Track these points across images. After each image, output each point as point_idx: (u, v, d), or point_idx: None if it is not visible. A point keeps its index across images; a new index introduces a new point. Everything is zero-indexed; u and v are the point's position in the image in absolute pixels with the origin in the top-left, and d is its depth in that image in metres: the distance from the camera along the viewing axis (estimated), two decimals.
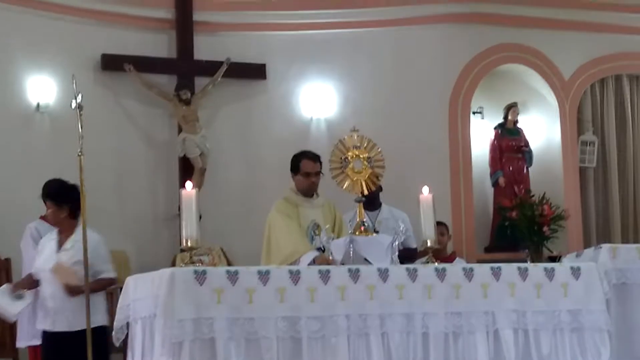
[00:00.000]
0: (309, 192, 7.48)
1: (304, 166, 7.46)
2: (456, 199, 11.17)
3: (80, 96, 7.86)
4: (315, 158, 7.45)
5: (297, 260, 7.00)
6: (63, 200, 7.49)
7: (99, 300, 7.40)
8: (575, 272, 6.79)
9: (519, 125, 11.75)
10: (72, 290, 7.18)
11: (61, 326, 7.26)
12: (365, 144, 6.98)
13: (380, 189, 8.16)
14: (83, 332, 7.06)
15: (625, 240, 11.75)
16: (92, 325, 7.16)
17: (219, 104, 10.96)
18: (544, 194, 10.99)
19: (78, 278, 7.17)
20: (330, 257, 6.75)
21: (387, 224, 8.26)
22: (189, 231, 6.23)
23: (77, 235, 7.38)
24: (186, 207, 6.29)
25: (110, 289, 7.88)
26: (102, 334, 7.33)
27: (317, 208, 7.46)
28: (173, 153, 10.64)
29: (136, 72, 10.46)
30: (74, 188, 7.55)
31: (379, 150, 7.01)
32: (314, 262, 6.91)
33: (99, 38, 10.48)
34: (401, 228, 7.00)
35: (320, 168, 7.41)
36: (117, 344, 6.54)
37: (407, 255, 7.74)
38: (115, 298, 7.58)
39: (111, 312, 7.42)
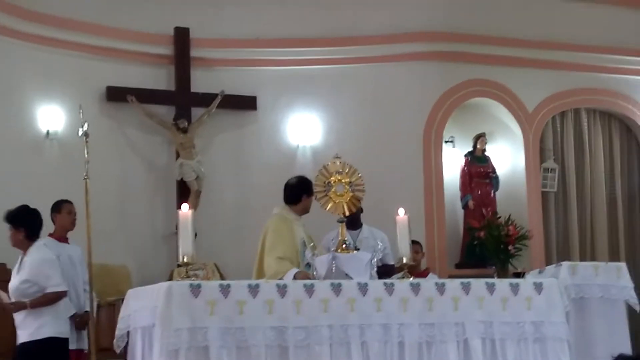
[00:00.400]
0: (306, 212, 7.50)
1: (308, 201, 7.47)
2: (429, 219, 11.16)
3: (86, 125, 7.86)
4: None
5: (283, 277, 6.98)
6: (19, 223, 7.49)
7: (46, 313, 7.37)
8: (538, 287, 6.79)
9: (486, 153, 11.77)
10: (5, 309, 7.25)
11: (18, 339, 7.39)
12: (346, 170, 6.97)
13: (361, 210, 8.15)
14: (23, 344, 7.25)
15: (582, 258, 11.76)
16: (38, 337, 7.17)
17: (213, 132, 10.94)
18: (510, 215, 10.98)
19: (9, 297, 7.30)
20: (314, 274, 6.73)
21: (367, 243, 8.24)
22: (185, 248, 6.21)
23: (29, 255, 7.39)
24: (183, 226, 6.27)
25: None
26: (49, 344, 7.30)
27: (301, 226, 7.46)
28: (171, 177, 10.61)
29: (138, 103, 10.44)
30: (32, 212, 7.55)
31: (360, 175, 7.00)
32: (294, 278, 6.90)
33: (104, 72, 10.46)
34: (379, 246, 7.00)
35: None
36: (117, 352, 6.51)
37: (385, 271, 7.72)
38: (117, 309, 7.53)
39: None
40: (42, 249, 7.50)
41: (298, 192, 7.46)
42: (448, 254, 11.32)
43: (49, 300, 7.41)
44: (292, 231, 7.30)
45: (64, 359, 7.55)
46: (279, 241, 7.21)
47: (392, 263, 8.50)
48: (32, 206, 8.58)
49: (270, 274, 7.04)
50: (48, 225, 8.53)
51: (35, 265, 7.34)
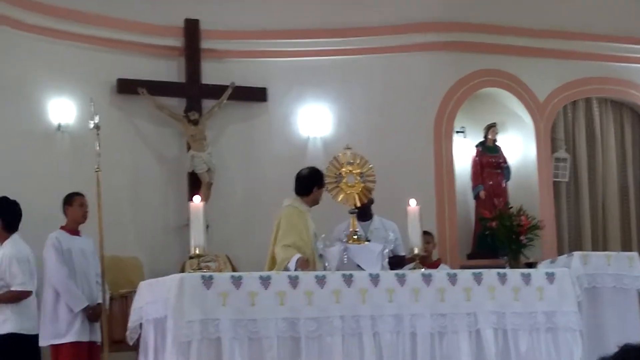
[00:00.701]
0: (317, 204, 7.48)
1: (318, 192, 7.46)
2: (441, 210, 11.14)
3: (97, 117, 7.87)
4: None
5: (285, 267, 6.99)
6: None
7: (11, 308, 7.43)
8: (550, 277, 6.79)
9: (498, 143, 11.74)
10: None
11: None
12: (357, 161, 6.97)
13: (371, 201, 8.14)
14: None
15: (595, 248, 11.72)
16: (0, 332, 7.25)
17: (224, 124, 10.93)
18: (521, 206, 10.97)
19: None
20: (326, 265, 6.73)
21: (378, 234, 8.22)
22: (197, 240, 6.22)
23: (2, 248, 7.44)
24: (194, 218, 6.28)
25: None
26: (11, 340, 7.34)
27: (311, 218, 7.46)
28: (182, 169, 10.62)
29: (149, 95, 10.44)
30: (11, 204, 7.57)
31: (371, 166, 7.00)
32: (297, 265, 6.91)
33: (115, 64, 10.46)
34: (391, 237, 6.98)
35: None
36: (130, 343, 6.52)
37: (396, 262, 7.71)
38: (129, 301, 7.55)
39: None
40: (18, 244, 7.52)
41: (309, 183, 7.45)
42: (460, 244, 11.30)
43: (12, 297, 7.45)
44: (305, 222, 7.30)
45: (28, 355, 7.56)
46: (290, 231, 7.21)
47: (403, 254, 8.48)
48: (45, 198, 8.62)
49: (278, 262, 7.06)
50: (60, 218, 8.57)
51: (5, 262, 7.38)
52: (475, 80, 11.54)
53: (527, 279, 6.71)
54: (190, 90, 10.76)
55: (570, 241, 11.91)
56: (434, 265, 9.35)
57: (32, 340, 7.55)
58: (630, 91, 12.27)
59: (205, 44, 10.87)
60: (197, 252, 6.20)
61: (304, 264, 6.82)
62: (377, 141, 10.75)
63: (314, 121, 11.17)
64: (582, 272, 7.78)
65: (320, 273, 6.29)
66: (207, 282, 5.87)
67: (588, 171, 12.15)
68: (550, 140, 11.91)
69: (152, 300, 6.23)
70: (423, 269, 6.66)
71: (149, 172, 10.63)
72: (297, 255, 6.94)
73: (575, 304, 6.83)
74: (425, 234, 8.45)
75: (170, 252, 10.35)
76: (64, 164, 9.96)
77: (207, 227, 6.48)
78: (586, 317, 7.28)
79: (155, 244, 10.40)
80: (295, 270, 6.72)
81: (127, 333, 6.46)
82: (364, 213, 8.23)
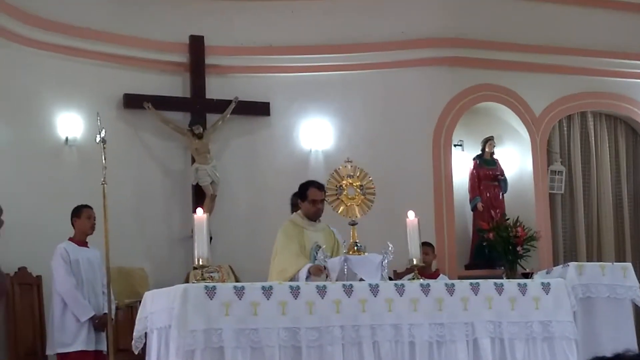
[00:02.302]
0: (314, 217, 7.44)
1: (311, 194, 7.41)
2: (439, 222, 11.14)
3: (104, 131, 7.88)
4: (320, 187, 7.36)
5: (295, 275, 6.99)
6: None
7: None
8: (546, 287, 6.78)
9: (495, 156, 11.73)
10: None
11: None
12: (358, 173, 6.97)
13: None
14: None
15: (589, 259, 11.72)
16: None
17: (228, 137, 10.95)
18: (518, 217, 10.96)
19: None
20: (323, 267, 6.75)
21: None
22: (201, 251, 6.22)
23: None
24: (198, 229, 6.28)
25: None
26: None
27: (319, 232, 7.43)
28: (187, 181, 10.63)
29: (154, 109, 10.45)
30: None
31: (370, 178, 7.00)
32: (309, 272, 6.91)
33: (121, 79, 10.48)
34: (390, 248, 6.96)
35: (325, 196, 7.31)
36: (135, 352, 6.51)
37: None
38: (135, 311, 7.55)
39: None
40: None
41: (294, 199, 7.53)
42: (458, 255, 11.30)
43: None
44: (300, 235, 7.32)
45: None
46: (282, 247, 7.29)
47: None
48: (53, 210, 8.62)
49: (278, 270, 7.11)
50: (68, 229, 8.58)
51: None
52: (473, 95, 11.55)
53: (523, 289, 6.70)
54: (195, 105, 10.78)
55: (566, 252, 11.90)
56: (434, 275, 9.35)
57: None
58: (624, 105, 12.28)
59: (209, 60, 10.89)
60: (200, 262, 6.20)
61: (317, 271, 6.83)
62: (377, 154, 10.76)
63: (315, 135, 11.18)
64: (577, 282, 7.79)
65: (321, 283, 6.30)
66: (210, 292, 5.87)
67: (583, 183, 12.16)
68: (546, 153, 11.92)
69: (156, 310, 6.23)
70: (421, 280, 6.65)
71: (154, 185, 10.64)
72: (308, 264, 6.97)
73: (571, 313, 6.82)
74: (425, 245, 8.43)
75: (174, 263, 10.35)
76: (71, 176, 9.97)
77: (211, 238, 6.49)
78: (581, 327, 7.29)
79: (160, 255, 10.40)
80: (307, 277, 6.74)
81: (133, 342, 6.45)
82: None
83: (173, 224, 10.62)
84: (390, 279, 7.01)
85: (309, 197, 7.42)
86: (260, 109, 11.03)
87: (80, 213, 8.55)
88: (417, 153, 11.23)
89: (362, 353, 6.14)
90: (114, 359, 7.69)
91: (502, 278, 8.42)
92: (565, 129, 12.21)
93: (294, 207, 7.90)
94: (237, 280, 9.63)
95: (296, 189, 7.69)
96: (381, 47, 11.27)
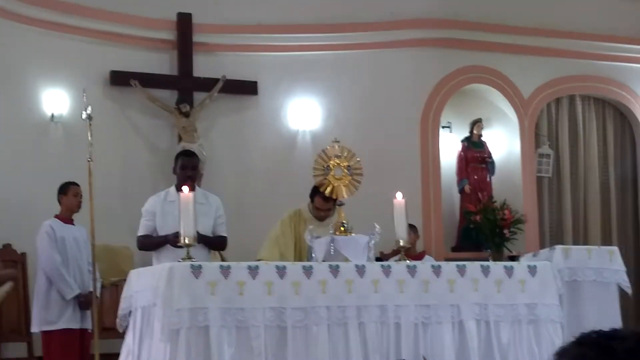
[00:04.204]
0: (320, 219, 7.52)
1: (317, 202, 7.50)
2: (426, 203, 11.16)
3: (90, 108, 7.83)
4: (327, 199, 7.26)
5: None
6: None
7: None
8: (532, 270, 6.79)
9: (483, 138, 11.75)
10: None
11: None
12: (345, 154, 6.95)
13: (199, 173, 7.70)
14: None
15: (576, 242, 11.75)
16: None
17: (215, 116, 10.92)
18: (505, 200, 11.00)
19: None
20: (312, 256, 6.75)
21: (202, 209, 7.05)
22: (187, 230, 6.20)
23: None
24: (184, 208, 6.26)
25: None
26: None
27: (325, 227, 7.31)
28: (173, 160, 10.58)
29: (141, 87, 10.41)
30: None
31: (358, 159, 6.98)
32: None
33: (108, 56, 10.43)
34: (377, 229, 6.93)
35: (333, 205, 7.25)
36: (120, 331, 6.50)
37: (217, 243, 7.35)
38: (120, 289, 7.53)
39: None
40: None
41: (311, 193, 7.57)
42: (444, 237, 11.32)
43: None
44: (297, 228, 7.36)
45: None
46: (270, 238, 7.56)
47: (224, 235, 7.57)
48: (38, 186, 8.57)
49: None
50: (55, 207, 8.54)
51: None
52: (462, 77, 11.54)
53: (509, 271, 6.71)
54: (182, 83, 10.74)
55: (552, 235, 11.94)
56: (419, 257, 9.37)
57: None
58: (613, 89, 12.30)
59: (197, 38, 10.85)
60: (186, 242, 6.19)
61: None
62: (365, 135, 10.75)
63: (303, 114, 11.16)
64: (563, 265, 7.81)
65: (307, 264, 6.29)
66: (196, 271, 5.86)
67: (570, 167, 12.19)
68: (534, 136, 11.93)
69: (142, 288, 6.21)
70: (408, 261, 6.66)
71: (140, 163, 10.60)
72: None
73: (557, 296, 6.83)
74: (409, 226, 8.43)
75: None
76: (56, 153, 9.93)
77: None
78: (567, 310, 7.31)
79: None
80: None
81: (117, 320, 6.44)
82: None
83: None
84: (377, 259, 6.99)
85: (315, 203, 7.54)
86: (248, 88, 11.00)
87: (67, 190, 8.51)
88: (405, 134, 11.23)
89: (348, 334, 6.13)
90: (98, 337, 7.67)
91: (488, 260, 8.43)
92: (553, 112, 12.23)
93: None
94: (222, 260, 9.62)
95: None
96: (370, 27, 11.25)
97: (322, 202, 7.40)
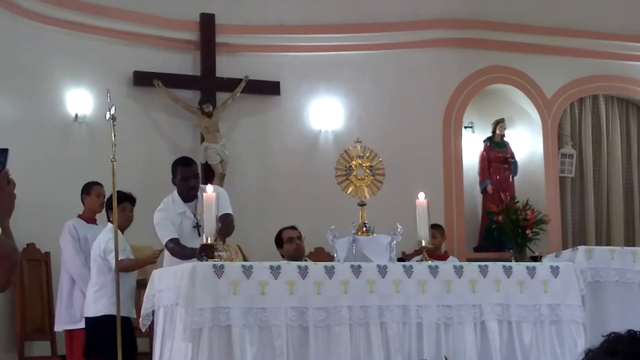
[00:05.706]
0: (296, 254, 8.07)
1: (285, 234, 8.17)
2: (449, 204, 11.14)
3: (113, 108, 7.86)
4: (292, 227, 8.14)
5: None
6: None
7: None
8: (555, 270, 6.77)
9: (505, 138, 11.72)
10: None
11: None
12: (367, 154, 6.95)
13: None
14: None
15: (599, 243, 11.71)
16: None
17: (237, 116, 10.94)
18: (527, 200, 10.95)
19: None
20: (335, 256, 6.78)
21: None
22: (209, 230, 6.22)
23: None
24: (207, 208, 6.28)
25: None
26: None
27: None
28: (196, 160, 10.59)
29: (164, 87, 10.45)
30: None
31: (380, 159, 6.98)
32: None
33: (132, 57, 10.48)
34: (399, 229, 6.92)
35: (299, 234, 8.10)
36: (143, 330, 6.53)
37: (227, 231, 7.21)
38: (143, 289, 7.56)
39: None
40: None
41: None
42: (467, 237, 11.30)
43: None
44: None
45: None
46: None
47: (229, 211, 7.54)
48: (62, 186, 8.61)
49: None
50: (78, 206, 8.59)
51: None
52: (484, 77, 11.52)
53: (532, 272, 6.69)
54: (205, 83, 10.77)
55: (575, 236, 11.89)
56: (442, 257, 9.35)
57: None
58: (636, 89, 12.23)
59: (220, 38, 10.88)
60: (209, 241, 6.20)
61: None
62: (387, 135, 10.74)
63: (325, 115, 11.16)
64: (586, 266, 7.75)
65: (329, 264, 6.29)
66: (219, 271, 5.88)
67: (593, 167, 12.13)
68: (557, 136, 11.89)
69: (164, 288, 6.24)
70: (430, 261, 6.65)
71: (163, 163, 10.58)
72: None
73: (579, 297, 6.81)
74: (434, 227, 8.41)
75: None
76: (80, 153, 9.99)
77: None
78: (589, 311, 7.26)
79: None
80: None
81: (140, 320, 6.47)
82: (192, 196, 7.53)
83: None
84: (399, 260, 6.98)
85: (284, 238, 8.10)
86: (271, 88, 11.02)
87: (90, 190, 8.56)
88: (427, 134, 11.22)
89: (370, 334, 6.14)
90: (121, 335, 7.70)
91: (510, 261, 8.40)
92: (576, 112, 12.18)
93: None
94: (245, 260, 9.63)
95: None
96: (392, 27, 11.24)
97: (291, 231, 8.08)
